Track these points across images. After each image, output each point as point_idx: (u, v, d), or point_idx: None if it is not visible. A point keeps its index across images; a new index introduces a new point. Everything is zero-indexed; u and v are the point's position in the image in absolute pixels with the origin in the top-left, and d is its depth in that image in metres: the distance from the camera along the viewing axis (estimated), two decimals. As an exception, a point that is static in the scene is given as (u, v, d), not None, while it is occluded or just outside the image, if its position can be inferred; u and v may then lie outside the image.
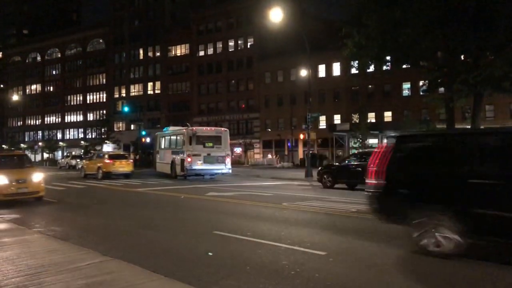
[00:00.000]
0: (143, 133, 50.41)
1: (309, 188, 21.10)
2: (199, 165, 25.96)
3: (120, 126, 79.07)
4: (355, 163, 20.10)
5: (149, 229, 9.39)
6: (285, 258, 6.78)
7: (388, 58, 28.35)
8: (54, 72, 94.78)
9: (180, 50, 76.83)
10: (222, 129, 28.53)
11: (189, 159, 25.86)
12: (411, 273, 6.08)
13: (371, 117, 54.87)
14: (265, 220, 10.63)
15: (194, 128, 28.11)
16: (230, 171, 27.35)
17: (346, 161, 21.56)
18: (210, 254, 7.08)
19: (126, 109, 59.47)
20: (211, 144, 26.58)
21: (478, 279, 5.85)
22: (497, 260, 6.61)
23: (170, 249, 7.56)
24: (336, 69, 59.51)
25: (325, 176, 20.79)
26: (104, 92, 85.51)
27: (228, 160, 26.74)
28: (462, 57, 25.85)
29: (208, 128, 30.42)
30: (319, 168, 24.55)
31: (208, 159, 26.13)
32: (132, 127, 73.76)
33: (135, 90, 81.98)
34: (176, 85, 76.71)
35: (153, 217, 11.24)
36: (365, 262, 6.62)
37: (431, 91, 30.28)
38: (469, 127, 27.12)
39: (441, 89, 28.92)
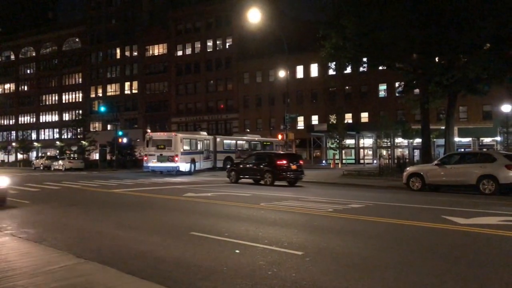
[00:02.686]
0: (120, 133, 49.74)
1: (287, 188, 21.19)
2: (153, 163, 32.30)
3: (96, 126, 77.87)
4: (253, 162, 24.24)
5: (125, 231, 9.27)
6: (262, 258, 6.78)
7: (364, 59, 28.75)
8: (28, 71, 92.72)
9: (158, 50, 76.20)
10: (173, 133, 34.05)
11: (145, 158, 33.38)
12: (389, 271, 6.16)
13: (348, 118, 55.51)
14: (242, 221, 10.61)
15: (151, 133, 35.02)
16: (179, 168, 31.82)
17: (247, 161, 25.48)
18: None
19: (102, 109, 58.61)
20: (162, 146, 32.26)
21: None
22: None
23: (146, 251, 7.47)
24: (314, 70, 59.98)
25: (232, 173, 24.57)
26: (80, 91, 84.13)
27: (177, 159, 31.64)
28: (436, 59, 26.39)
29: (162, 133, 36.73)
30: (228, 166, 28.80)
31: (160, 158, 32.13)
32: (109, 127, 72.76)
33: (112, 89, 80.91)
34: (154, 85, 76.05)
35: (129, 218, 11.10)
36: (343, 262, 6.67)
37: (406, 93, 30.89)
38: (443, 127, 27.66)
39: (416, 91, 29.50)
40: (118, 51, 79.91)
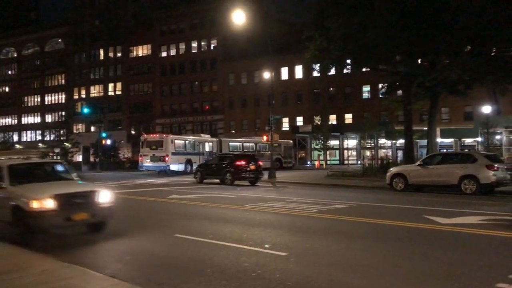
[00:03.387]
0: (104, 135, 49.23)
1: (272, 189, 21.25)
2: (147, 163, 34.19)
3: (79, 127, 76.90)
4: (216, 163, 25.51)
5: (108, 233, 9.19)
6: (247, 259, 6.81)
7: (348, 61, 28.95)
8: (9, 72, 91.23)
9: (142, 51, 75.67)
10: (164, 135, 36.07)
11: (140, 158, 35.40)
12: (371, 270, 6.23)
13: (333, 119, 55.85)
14: (227, 222, 10.63)
15: (145, 135, 37.35)
16: (170, 168, 33.30)
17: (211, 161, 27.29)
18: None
19: (86, 110, 57.94)
20: (155, 147, 34.01)
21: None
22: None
23: (129, 253, 7.44)
24: (299, 71, 60.22)
25: (198, 174, 25.73)
26: (63, 93, 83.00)
27: (168, 159, 33.11)
28: (419, 61, 26.73)
29: (155, 135, 38.45)
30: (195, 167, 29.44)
31: (153, 158, 33.83)
32: (92, 128, 71.98)
33: (95, 91, 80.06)
34: (138, 86, 75.48)
35: (112, 220, 11.01)
36: (326, 262, 6.74)
37: (389, 94, 31.19)
38: (426, 128, 28.03)
39: (400, 92, 29.82)
40: (101, 52, 79.08)
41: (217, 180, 24.30)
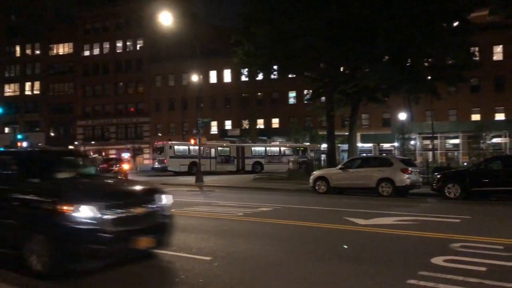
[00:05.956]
0: (19, 136, 46.12)
1: (198, 193, 21.10)
2: (156, 165, 41.76)
3: (-9, 129, 71.50)
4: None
5: None
6: (170, 265, 6.70)
7: (275, 67, 29.58)
8: None
9: (63, 49, 71.97)
10: (165, 142, 42.45)
11: (152, 161, 46.51)
12: (293, 271, 6.38)
13: (260, 123, 56.74)
14: (151, 227, 10.38)
15: (155, 143, 44.77)
16: (168, 169, 39.73)
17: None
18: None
19: (-1, 110, 53.89)
20: (159, 152, 41.63)
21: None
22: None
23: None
24: (227, 75, 60.49)
25: None
26: (-26, 91, 76.72)
27: (166, 162, 39.84)
28: (341, 68, 27.94)
29: (160, 142, 44.26)
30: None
31: (158, 161, 41.37)
32: (6, 130, 67.29)
33: (10, 89, 74.80)
34: (58, 85, 71.64)
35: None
36: (250, 265, 6.80)
37: (314, 100, 32.29)
38: (347, 133, 29.31)
39: (323, 98, 30.97)
40: (18, 48, 74.05)
41: None
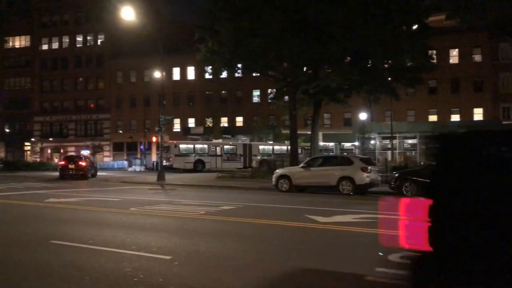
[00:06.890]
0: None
1: (160, 192, 20.83)
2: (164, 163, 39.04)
3: None
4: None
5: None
6: (129, 265, 6.57)
7: (239, 65, 29.59)
8: None
9: (19, 42, 69.34)
10: (170, 141, 40.67)
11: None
12: (251, 268, 6.40)
13: (224, 122, 56.53)
14: (110, 227, 10.17)
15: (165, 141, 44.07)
16: (174, 165, 40.65)
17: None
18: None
19: None
20: (166, 150, 39.90)
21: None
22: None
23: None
24: (191, 73, 59.95)
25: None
26: None
27: (171, 159, 41.27)
28: (304, 69, 28.24)
29: (170, 141, 42.16)
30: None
31: (166, 159, 39.17)
32: (-43, 125, 64.26)
33: (-39, 83, 71.41)
34: (14, 80, 68.95)
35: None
36: (210, 263, 6.77)
37: (277, 99, 32.49)
38: (310, 133, 29.67)
39: (286, 98, 31.21)
40: (-31, 40, 70.81)
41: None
